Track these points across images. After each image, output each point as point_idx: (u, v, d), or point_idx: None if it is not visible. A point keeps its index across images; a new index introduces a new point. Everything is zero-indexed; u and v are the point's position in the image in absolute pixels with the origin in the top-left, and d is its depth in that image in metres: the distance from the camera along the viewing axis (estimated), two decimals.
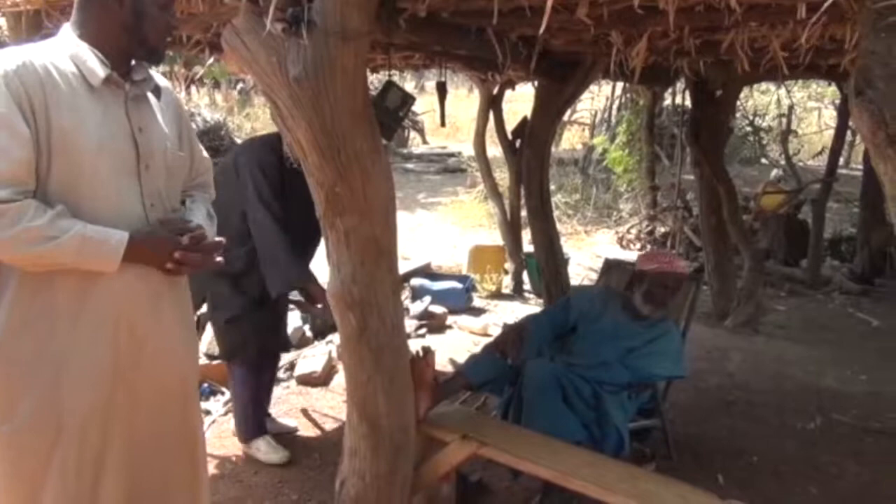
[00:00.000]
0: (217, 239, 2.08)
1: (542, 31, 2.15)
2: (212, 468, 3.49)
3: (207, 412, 4.05)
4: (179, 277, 2.02)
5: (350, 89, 2.16)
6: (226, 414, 3.96)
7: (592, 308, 3.48)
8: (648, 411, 3.43)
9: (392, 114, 3.14)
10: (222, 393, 4.15)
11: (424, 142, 18.44)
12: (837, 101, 9.31)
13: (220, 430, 3.87)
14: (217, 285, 3.34)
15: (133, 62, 1.95)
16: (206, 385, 4.26)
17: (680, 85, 7.20)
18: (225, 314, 3.39)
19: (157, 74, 2.08)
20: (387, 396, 2.54)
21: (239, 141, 15.51)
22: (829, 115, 14.47)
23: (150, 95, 1.99)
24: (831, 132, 8.93)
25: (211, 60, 4.19)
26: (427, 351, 2.86)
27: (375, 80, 5.68)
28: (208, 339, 4.35)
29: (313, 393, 4.36)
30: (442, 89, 4.42)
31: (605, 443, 3.01)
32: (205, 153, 2.29)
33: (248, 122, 17.05)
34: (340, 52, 2.09)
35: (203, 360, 4.37)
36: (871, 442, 3.97)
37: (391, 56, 4.01)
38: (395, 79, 4.44)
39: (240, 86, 17.71)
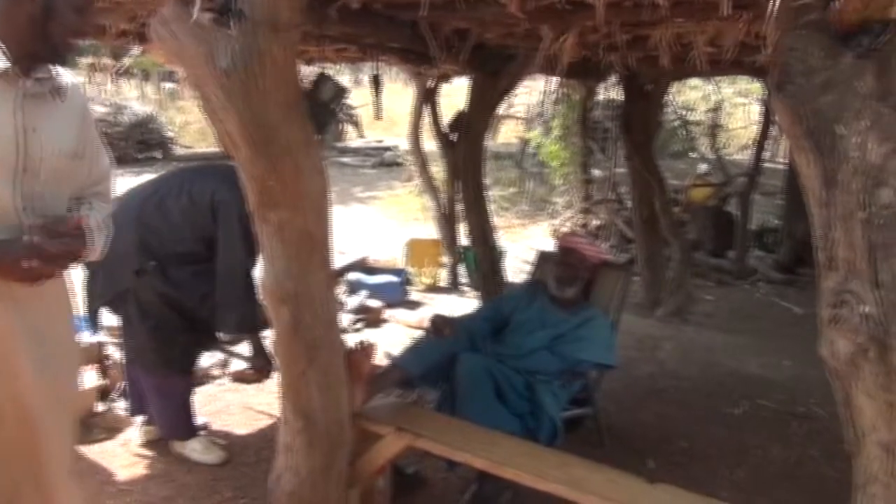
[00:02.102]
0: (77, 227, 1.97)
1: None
2: (142, 468, 3.43)
3: None
4: (51, 289, 1.95)
5: (281, 81, 2.14)
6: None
7: (522, 299, 3.54)
8: (581, 400, 3.49)
9: (325, 107, 3.09)
10: None
11: (361, 136, 18.35)
12: (763, 97, 9.58)
13: (152, 429, 3.79)
14: (153, 294, 3.28)
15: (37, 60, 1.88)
16: None
17: (612, 80, 7.32)
18: (160, 327, 3.32)
19: (67, 74, 2.01)
20: (321, 391, 2.53)
21: (170, 135, 15.28)
22: (756, 111, 14.89)
23: (51, 95, 1.91)
24: (758, 127, 9.20)
25: (138, 51, 4.09)
26: (367, 345, 2.85)
27: (310, 73, 5.62)
28: None
29: (248, 389, 4.30)
30: (377, 82, 4.41)
31: (539, 432, 3.06)
32: (107, 161, 2.20)
33: (179, 115, 16.71)
34: (271, 43, 2.07)
35: None
36: (795, 425, 4.12)
37: (324, 48, 3.98)
38: (331, 72, 4.40)
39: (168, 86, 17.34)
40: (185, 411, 3.51)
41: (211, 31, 2.03)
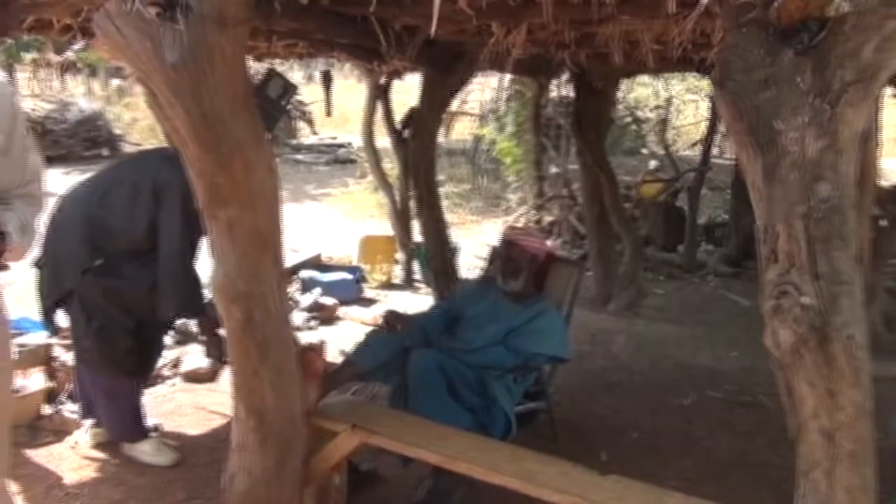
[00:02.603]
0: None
1: (432, 27, 2.16)
2: (91, 472, 3.36)
3: None
4: None
5: (229, 77, 2.12)
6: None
7: (473, 295, 3.56)
8: (534, 394, 3.52)
9: (274, 103, 3.08)
10: None
11: (314, 132, 18.20)
12: (711, 94, 9.76)
13: (101, 432, 3.72)
14: (98, 293, 3.21)
15: None
16: None
17: (564, 77, 7.39)
18: (106, 327, 3.25)
19: None
20: (274, 389, 2.52)
21: (118, 132, 14.97)
22: (705, 107, 15.15)
23: None
24: (706, 123, 9.37)
25: (82, 46, 4.01)
26: (318, 343, 2.85)
27: (260, 69, 5.56)
28: None
29: (200, 389, 4.25)
30: (327, 79, 4.39)
31: (493, 427, 3.08)
32: (38, 161, 2.12)
33: (127, 111, 16.39)
34: (218, 38, 2.04)
35: None
36: (743, 414, 4.21)
37: (273, 44, 3.94)
38: (283, 68, 4.37)
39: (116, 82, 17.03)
40: (134, 413, 3.45)
41: (157, 25, 2.00)
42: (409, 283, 6.97)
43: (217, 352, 3.46)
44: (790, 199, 1.72)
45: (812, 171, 1.70)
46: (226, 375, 4.35)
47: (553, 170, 9.85)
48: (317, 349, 2.80)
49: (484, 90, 13.96)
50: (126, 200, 3.21)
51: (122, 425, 3.45)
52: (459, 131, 15.49)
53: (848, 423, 1.75)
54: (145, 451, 3.43)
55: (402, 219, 7.05)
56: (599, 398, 4.38)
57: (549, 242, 8.69)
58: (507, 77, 10.93)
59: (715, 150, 10.30)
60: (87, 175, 3.57)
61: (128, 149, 14.87)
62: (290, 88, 3.18)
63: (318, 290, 5.93)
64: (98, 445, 3.53)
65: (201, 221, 2.35)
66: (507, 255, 3.51)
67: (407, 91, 9.58)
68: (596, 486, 2.37)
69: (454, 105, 15.18)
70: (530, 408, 3.51)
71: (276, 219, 2.41)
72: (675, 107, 14.14)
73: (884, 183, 6.16)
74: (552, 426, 3.65)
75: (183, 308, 3.28)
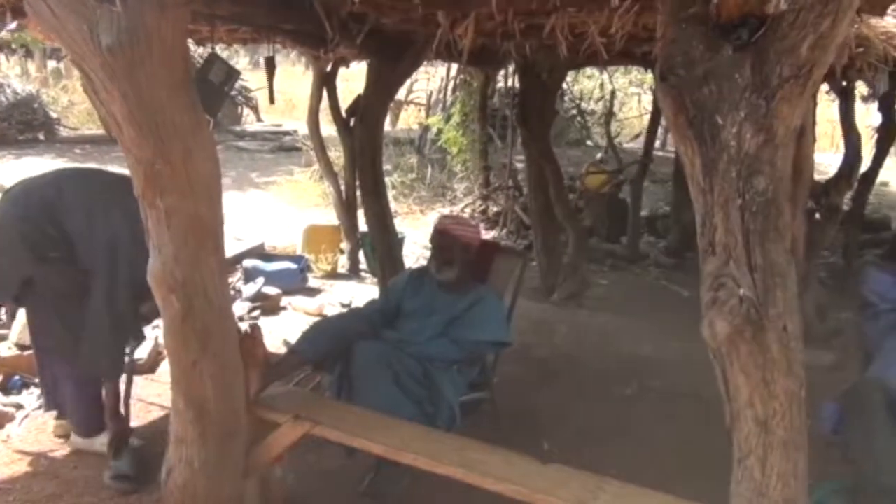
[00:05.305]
0: None
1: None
2: (25, 465, 3.28)
3: (20, 406, 3.79)
4: None
5: (168, 61, 2.07)
6: (39, 408, 3.71)
7: (409, 287, 3.55)
8: (478, 385, 3.53)
9: (216, 88, 3.02)
10: (35, 385, 3.87)
11: (259, 119, 17.96)
12: (654, 87, 9.91)
13: (34, 425, 3.63)
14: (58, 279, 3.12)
15: None
16: (17, 378, 3.97)
17: (511, 68, 7.41)
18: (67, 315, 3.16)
19: None
20: (214, 380, 2.48)
21: (55, 116, 14.52)
22: (649, 100, 15.39)
23: None
24: (650, 116, 9.50)
25: (13, 26, 3.86)
26: (254, 328, 2.80)
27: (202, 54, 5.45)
28: (18, 329, 4.05)
29: (138, 381, 4.15)
30: (270, 65, 4.31)
31: (438, 418, 3.09)
32: None
33: (64, 94, 15.91)
34: (157, 21, 1.99)
35: (14, 351, 4.08)
36: (682, 403, 4.29)
37: (216, 28, 3.86)
38: (227, 54, 4.28)
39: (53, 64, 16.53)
40: (96, 405, 3.36)
41: (92, 6, 1.94)
42: (354, 273, 6.93)
43: None
44: (728, 193, 1.75)
45: (749, 165, 1.74)
46: (164, 366, 4.27)
47: (499, 160, 9.89)
48: (254, 336, 2.74)
49: (431, 80, 13.95)
50: (78, 233, 3.09)
51: (86, 415, 3.36)
52: (407, 120, 15.46)
53: (781, 412, 1.79)
54: (104, 443, 3.32)
55: (347, 208, 7.00)
56: (543, 388, 4.43)
57: (485, 231, 8.78)
58: (455, 67, 10.94)
59: (657, 143, 10.46)
60: (23, 161, 3.44)
61: (65, 133, 14.46)
62: (232, 74, 3.13)
63: (261, 280, 5.85)
64: (34, 435, 3.44)
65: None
66: (439, 245, 3.49)
67: (354, 79, 9.51)
68: (538, 474, 2.40)
69: (401, 94, 15.19)
70: (474, 398, 3.52)
71: (216, 207, 2.37)
72: (620, 99, 14.31)
73: (818, 177, 6.34)
74: (496, 416, 3.68)
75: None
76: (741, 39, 1.75)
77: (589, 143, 14.44)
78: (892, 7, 3.01)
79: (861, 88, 7.09)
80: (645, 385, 4.55)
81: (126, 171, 2.40)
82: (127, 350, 3.27)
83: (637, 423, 4.02)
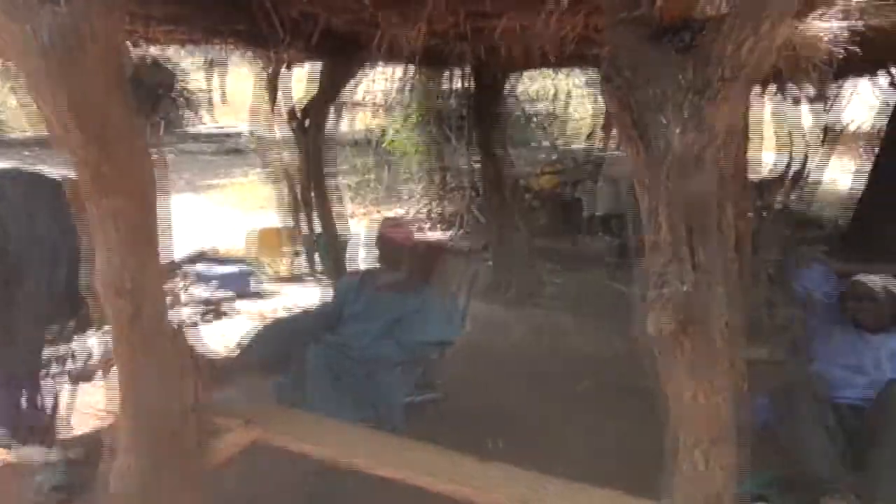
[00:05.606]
0: None
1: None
2: None
3: None
4: None
5: (103, 62, 2.02)
6: None
7: (351, 290, 3.56)
8: (424, 385, 3.54)
9: (152, 91, 2.98)
10: None
11: (206, 121, 17.68)
12: None
13: None
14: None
15: None
16: None
17: (466, 69, 7.43)
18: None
19: None
20: (159, 386, 2.44)
21: (1, 117, 14.10)
22: (602, 101, 15.49)
23: None
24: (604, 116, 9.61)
25: None
26: (178, 331, 2.76)
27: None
28: None
29: (83, 388, 4.07)
30: (217, 66, 4.25)
31: (383, 420, 3.09)
32: None
33: (12, 96, 15.45)
34: (94, 21, 1.95)
35: None
36: (632, 400, 4.31)
37: (156, 29, 3.80)
38: (176, 55, 4.21)
39: None
40: (30, 415, 3.28)
41: (29, 5, 1.90)
42: (306, 275, 6.88)
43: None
44: (671, 192, 1.79)
45: (692, 164, 1.77)
46: (113, 372, 4.19)
47: (456, 161, 9.91)
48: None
49: (386, 80, 13.90)
50: (14, 229, 3.03)
51: (13, 422, 3.28)
52: (362, 121, 15.38)
53: (722, 405, 1.84)
54: (30, 453, 3.25)
55: (297, 210, 6.93)
56: (494, 387, 4.44)
57: (441, 231, 8.80)
58: (410, 68, 10.91)
59: (612, 143, 10.58)
60: None
61: (14, 135, 14.08)
62: (171, 75, 3.08)
63: (211, 284, 5.78)
64: None
65: None
66: (382, 248, 3.52)
67: (304, 79, 9.43)
68: (482, 473, 2.42)
69: (356, 95, 15.09)
70: (420, 399, 3.52)
71: (156, 209, 2.33)
72: (575, 100, 14.41)
73: (763, 177, 6.49)
74: (443, 416, 3.68)
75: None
76: (683, 42, 1.78)
77: (544, 143, 14.53)
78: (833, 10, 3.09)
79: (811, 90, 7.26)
80: (596, 381, 4.60)
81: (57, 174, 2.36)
82: (62, 355, 3.21)
83: (587, 419, 4.05)
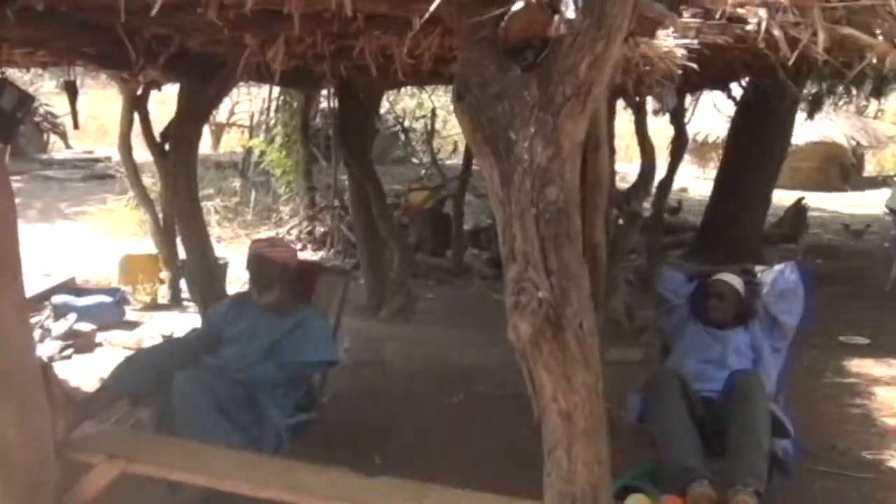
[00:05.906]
0: None
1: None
2: None
3: None
4: None
5: None
6: None
7: (229, 313, 3.51)
8: (306, 406, 3.51)
9: (8, 115, 2.86)
10: None
11: (68, 146, 16.85)
12: None
13: None
14: None
15: None
16: None
17: (331, 88, 7.44)
18: None
19: None
20: (17, 426, 2.33)
21: None
22: None
23: None
24: None
25: None
26: (45, 367, 2.65)
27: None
28: None
29: None
30: (72, 89, 4.10)
31: (264, 442, 3.05)
32: None
33: None
34: None
35: None
36: (507, 406, 4.45)
37: (10, 51, 3.63)
38: (31, 77, 4.03)
39: None
40: None
41: None
42: (176, 303, 6.67)
43: None
44: (524, 203, 1.88)
45: (541, 176, 1.86)
46: None
47: (325, 180, 9.87)
48: (48, 374, 2.59)
49: (253, 101, 13.68)
50: None
51: None
52: (229, 143, 15.07)
53: (582, 404, 1.93)
54: None
55: (165, 235, 6.73)
56: (372, 404, 4.47)
57: (312, 252, 8.74)
58: (276, 88, 10.80)
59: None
60: None
61: None
62: (26, 100, 2.97)
63: (73, 316, 5.51)
64: None
65: None
66: (256, 269, 3.48)
67: (170, 101, 9.16)
68: (364, 488, 2.44)
69: (223, 116, 14.78)
70: (302, 419, 3.49)
71: (12, 239, 2.24)
72: (441, 117, 14.68)
73: (619, 186, 6.82)
74: (325, 436, 3.67)
75: None
76: (527, 60, 1.88)
77: (414, 160, 14.70)
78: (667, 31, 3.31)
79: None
80: (471, 391, 4.71)
81: None
82: None
83: (466, 427, 4.15)
